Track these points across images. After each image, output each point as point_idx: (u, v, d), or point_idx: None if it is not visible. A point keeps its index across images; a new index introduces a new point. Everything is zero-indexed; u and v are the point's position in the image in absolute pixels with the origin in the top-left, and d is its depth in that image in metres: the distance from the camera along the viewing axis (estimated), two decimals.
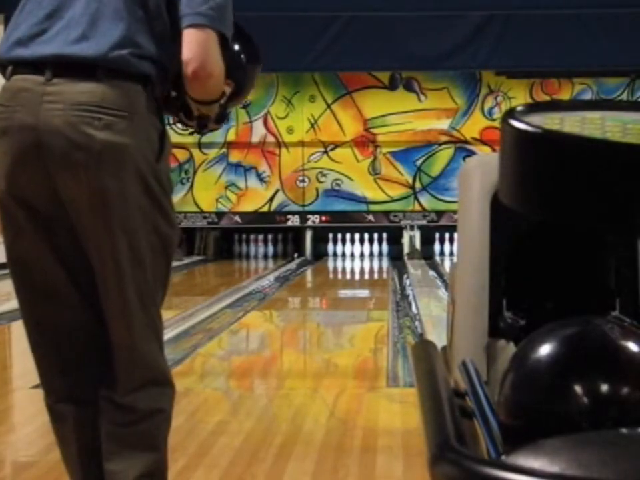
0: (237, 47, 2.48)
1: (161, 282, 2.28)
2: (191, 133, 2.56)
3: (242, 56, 2.51)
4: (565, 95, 14.39)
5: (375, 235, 15.00)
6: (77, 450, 2.38)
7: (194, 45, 2.20)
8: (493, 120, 14.31)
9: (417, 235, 14.66)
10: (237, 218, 14.47)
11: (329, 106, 14.69)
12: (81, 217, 2.19)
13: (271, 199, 14.70)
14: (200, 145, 14.61)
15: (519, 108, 1.97)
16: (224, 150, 14.53)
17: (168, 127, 2.35)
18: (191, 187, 14.63)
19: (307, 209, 14.75)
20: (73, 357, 2.34)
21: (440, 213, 14.61)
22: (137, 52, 2.21)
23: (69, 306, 2.31)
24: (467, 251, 3.19)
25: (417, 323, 7.03)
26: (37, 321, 2.38)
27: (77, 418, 2.36)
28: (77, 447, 2.38)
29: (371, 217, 14.72)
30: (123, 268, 2.19)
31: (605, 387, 2.07)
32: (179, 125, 2.48)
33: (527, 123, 1.86)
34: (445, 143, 14.64)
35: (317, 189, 14.78)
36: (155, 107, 2.24)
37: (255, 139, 14.57)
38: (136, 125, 2.18)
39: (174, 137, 2.46)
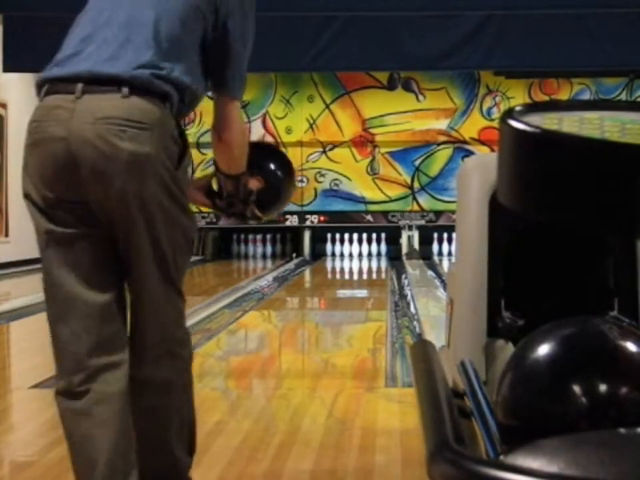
0: (272, 166, 2.97)
1: (183, 264, 2.56)
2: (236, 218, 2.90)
3: (279, 173, 3.00)
4: (563, 95, 14.40)
5: (374, 235, 15.01)
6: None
7: (226, 115, 2.63)
8: (492, 120, 14.32)
9: (416, 234, 14.66)
10: None
11: (327, 106, 14.69)
12: (109, 216, 2.44)
13: None
14: (198, 145, 14.61)
15: (518, 108, 1.97)
16: None
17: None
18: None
19: (305, 209, 14.75)
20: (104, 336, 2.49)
21: (438, 213, 14.62)
22: (159, 73, 2.46)
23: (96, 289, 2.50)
24: (465, 251, 3.19)
25: (415, 323, 7.03)
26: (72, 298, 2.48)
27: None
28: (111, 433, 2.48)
29: (369, 217, 14.72)
30: (148, 260, 2.46)
31: (603, 387, 2.07)
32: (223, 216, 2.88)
33: (526, 123, 1.86)
34: (444, 143, 14.65)
35: (315, 189, 14.78)
36: (174, 122, 2.48)
37: (254, 138, 14.56)
38: (156, 137, 2.42)
39: None
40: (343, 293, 10.99)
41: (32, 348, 6.42)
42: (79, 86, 2.44)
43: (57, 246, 2.51)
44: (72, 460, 2.50)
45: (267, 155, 3.04)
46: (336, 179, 14.74)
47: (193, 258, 13.81)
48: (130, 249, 2.47)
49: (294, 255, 14.80)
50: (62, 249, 2.50)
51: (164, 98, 2.46)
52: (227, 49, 2.61)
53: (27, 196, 2.63)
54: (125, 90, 2.42)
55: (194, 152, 14.57)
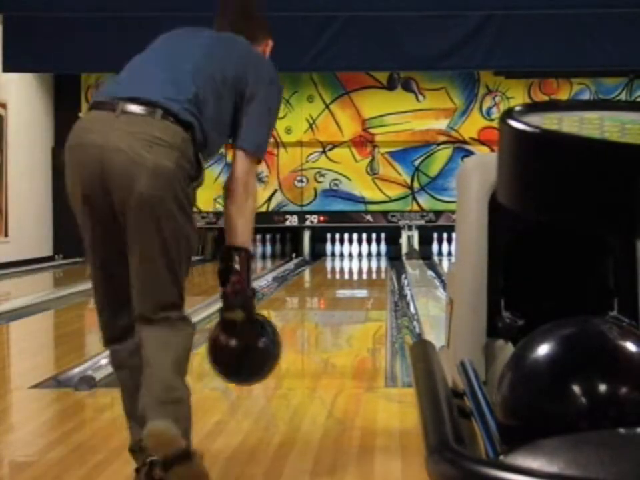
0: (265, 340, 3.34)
1: (185, 262, 3.03)
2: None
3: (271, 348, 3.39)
4: (563, 95, 14.40)
5: (373, 235, 15.01)
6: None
7: (234, 166, 3.17)
8: (491, 120, 14.32)
9: (415, 234, 14.66)
10: None
11: (327, 106, 14.69)
12: (128, 213, 2.90)
13: (269, 199, 14.71)
14: None
15: (517, 108, 1.97)
16: (222, 150, 14.53)
17: None
18: None
19: (305, 208, 14.75)
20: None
21: (438, 213, 14.62)
22: (187, 107, 2.98)
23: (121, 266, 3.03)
24: (465, 251, 3.19)
25: (415, 323, 7.02)
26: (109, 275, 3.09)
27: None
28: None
29: (369, 217, 14.72)
30: (155, 253, 2.93)
31: (603, 387, 2.07)
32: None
33: (526, 123, 1.86)
34: (443, 143, 14.65)
35: (315, 189, 14.79)
36: (193, 149, 2.99)
37: None
38: (176, 156, 2.92)
39: None
40: (342, 293, 10.98)
41: (32, 348, 6.42)
42: (120, 105, 2.94)
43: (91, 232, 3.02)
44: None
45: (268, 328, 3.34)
46: (336, 179, 14.74)
47: (193, 258, 13.80)
48: (139, 241, 2.94)
49: (293, 254, 14.80)
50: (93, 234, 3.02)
51: (188, 127, 2.97)
52: (250, 109, 3.12)
53: (68, 189, 3.03)
54: (158, 113, 2.94)
55: None
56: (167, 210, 2.91)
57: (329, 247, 15.00)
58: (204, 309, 7.90)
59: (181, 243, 2.97)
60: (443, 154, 14.66)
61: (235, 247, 3.13)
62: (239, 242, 3.12)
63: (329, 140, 14.70)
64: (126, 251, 2.98)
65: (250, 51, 3.23)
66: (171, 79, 3.04)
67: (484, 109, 14.60)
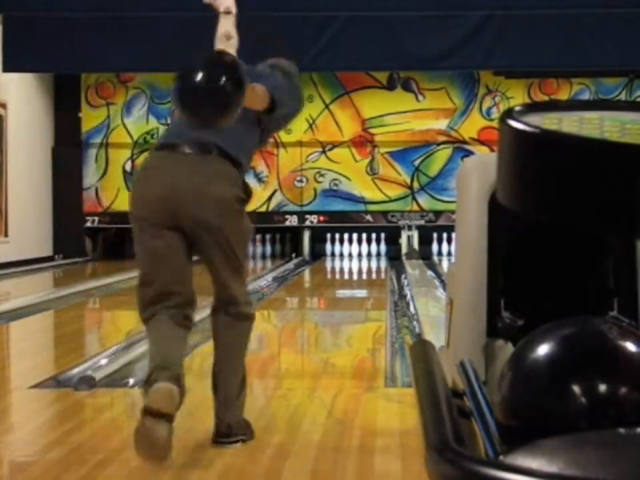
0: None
1: (245, 262, 3.81)
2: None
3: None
4: (563, 95, 14.40)
5: (373, 235, 15.01)
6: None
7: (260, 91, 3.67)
8: (491, 120, 14.31)
9: (415, 234, 14.66)
10: None
11: (327, 106, 14.69)
12: (197, 238, 3.64)
13: (269, 199, 14.71)
14: None
15: (517, 108, 1.97)
16: None
17: None
18: None
19: (305, 208, 14.75)
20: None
21: (438, 213, 14.62)
22: (236, 149, 3.66)
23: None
24: (465, 251, 3.19)
25: (414, 323, 7.02)
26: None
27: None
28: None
29: (369, 217, 14.72)
30: (222, 261, 3.72)
31: (603, 387, 2.07)
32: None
33: (525, 123, 1.86)
34: (443, 143, 14.65)
35: (315, 189, 14.79)
36: (242, 180, 3.68)
37: None
38: (230, 186, 3.61)
39: None
40: (342, 293, 10.98)
41: (32, 348, 6.42)
42: (185, 148, 3.58)
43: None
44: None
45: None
46: (335, 179, 14.74)
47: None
48: (210, 255, 3.72)
49: (293, 254, 14.80)
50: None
51: (238, 164, 3.66)
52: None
53: (131, 213, 3.66)
54: (215, 153, 3.59)
55: None
56: (229, 230, 3.62)
57: (328, 247, 15.00)
58: (204, 309, 7.89)
59: (241, 249, 3.72)
60: (443, 154, 14.66)
61: None
62: None
63: (329, 140, 14.70)
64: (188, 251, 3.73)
65: (249, 70, 3.69)
66: (223, 133, 3.61)
67: (484, 109, 14.60)
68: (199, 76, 3.29)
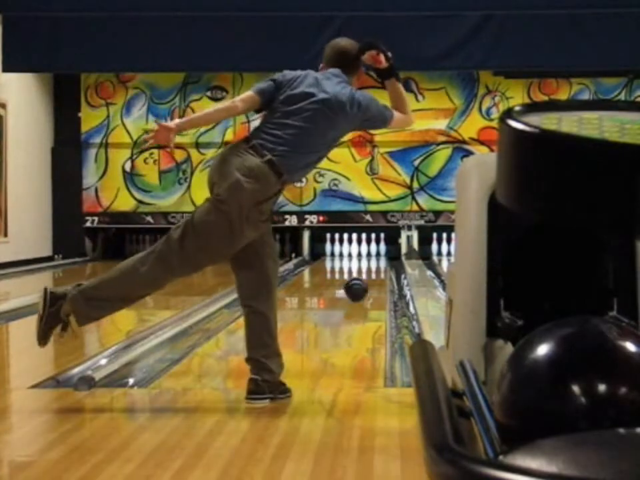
0: None
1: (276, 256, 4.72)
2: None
3: None
4: (562, 95, 14.40)
5: (373, 235, 15.01)
6: None
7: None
8: (491, 120, 14.32)
9: (415, 234, 14.66)
10: None
11: None
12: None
13: None
14: (198, 145, 14.62)
15: (517, 108, 1.97)
16: (222, 150, 14.52)
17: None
18: (189, 187, 14.65)
19: (304, 208, 14.75)
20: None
21: (437, 213, 14.62)
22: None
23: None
24: (464, 251, 3.19)
25: (414, 323, 7.02)
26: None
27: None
28: None
29: (368, 217, 14.72)
30: (259, 247, 4.52)
31: (602, 387, 2.07)
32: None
33: (525, 123, 1.86)
34: (443, 143, 14.65)
35: (314, 189, 14.79)
36: (275, 178, 4.41)
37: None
38: (263, 181, 4.36)
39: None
40: (342, 293, 10.98)
41: (32, 348, 6.40)
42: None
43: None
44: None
45: None
46: (335, 179, 14.74)
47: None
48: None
49: (293, 254, 14.80)
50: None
51: (271, 163, 4.39)
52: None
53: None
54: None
55: (193, 152, 14.64)
56: (257, 217, 4.38)
57: (328, 246, 15.00)
58: (203, 309, 7.90)
59: (269, 235, 4.57)
60: (443, 154, 14.66)
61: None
62: None
63: None
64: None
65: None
66: None
67: (483, 108, 14.60)
68: None
